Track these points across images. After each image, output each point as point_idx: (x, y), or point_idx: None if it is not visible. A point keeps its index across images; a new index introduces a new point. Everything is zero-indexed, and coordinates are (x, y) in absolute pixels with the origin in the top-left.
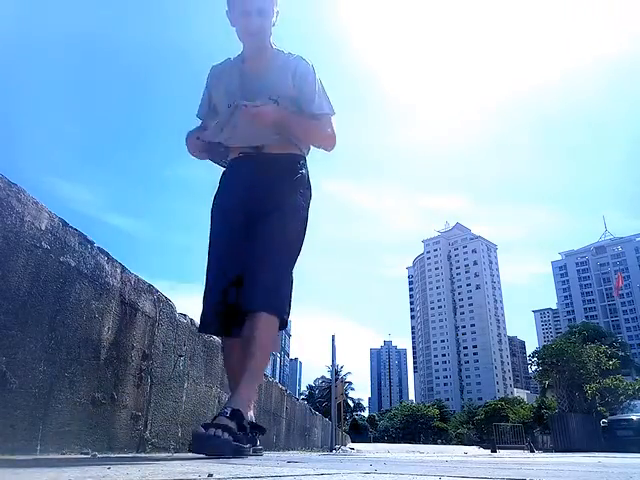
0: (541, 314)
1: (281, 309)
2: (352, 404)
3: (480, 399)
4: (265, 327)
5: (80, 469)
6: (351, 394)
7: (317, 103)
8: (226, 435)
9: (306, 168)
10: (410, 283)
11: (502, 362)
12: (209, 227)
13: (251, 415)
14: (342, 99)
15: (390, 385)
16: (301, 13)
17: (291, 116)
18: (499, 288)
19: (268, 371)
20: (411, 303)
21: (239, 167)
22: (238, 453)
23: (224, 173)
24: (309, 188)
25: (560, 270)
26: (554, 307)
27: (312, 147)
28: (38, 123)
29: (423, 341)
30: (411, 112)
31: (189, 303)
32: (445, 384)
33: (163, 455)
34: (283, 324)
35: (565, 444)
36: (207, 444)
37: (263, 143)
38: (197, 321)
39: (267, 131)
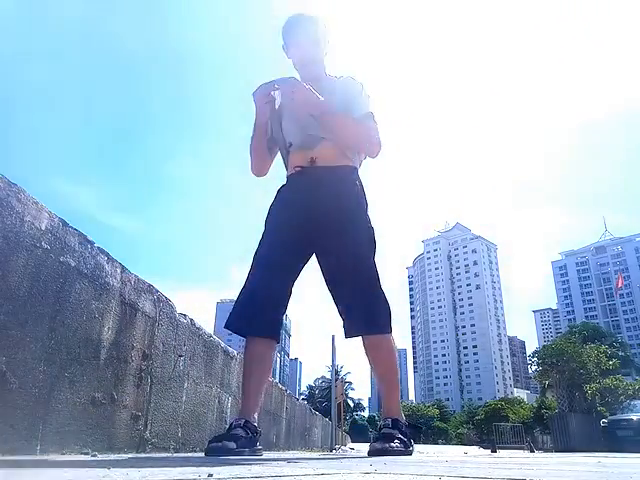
0: (541, 314)
1: (387, 326)
2: (352, 404)
3: (480, 399)
4: (388, 352)
5: (80, 469)
6: (351, 394)
7: (361, 107)
8: (397, 443)
9: (360, 179)
10: (410, 283)
11: (502, 362)
12: (261, 236)
13: (403, 419)
14: None
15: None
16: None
17: (336, 114)
18: (499, 288)
19: None
20: (411, 303)
21: (296, 182)
22: (407, 454)
23: (281, 188)
24: (365, 198)
25: (560, 270)
26: (554, 307)
27: (361, 159)
28: (38, 123)
29: (423, 341)
30: (411, 111)
31: (189, 303)
32: (445, 384)
33: (163, 455)
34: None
35: (565, 444)
36: (386, 454)
37: (314, 145)
38: (197, 321)
39: (317, 130)
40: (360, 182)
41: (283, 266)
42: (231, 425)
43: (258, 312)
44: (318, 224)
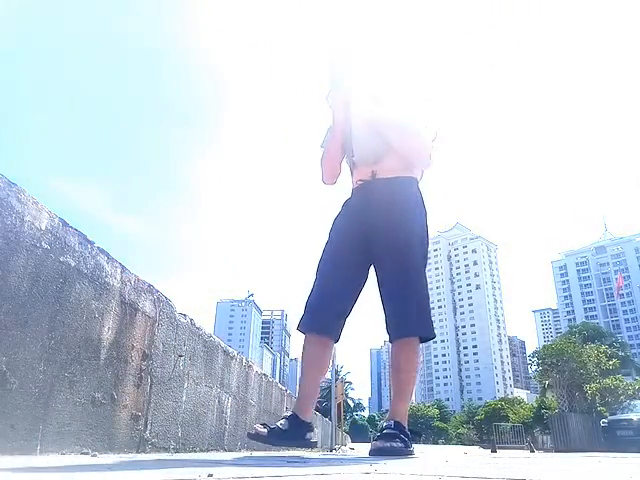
0: (541, 314)
1: (429, 330)
2: (352, 404)
3: (480, 399)
4: (410, 353)
5: (80, 469)
6: (351, 394)
7: (420, 121)
8: (398, 442)
9: (419, 190)
10: None
11: (502, 362)
12: (324, 245)
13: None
14: None
15: (390, 385)
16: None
17: (394, 122)
18: (499, 288)
19: (268, 371)
20: None
21: (358, 194)
22: (408, 454)
23: (346, 200)
24: (424, 208)
25: (560, 270)
26: (554, 307)
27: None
28: (38, 122)
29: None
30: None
31: (189, 303)
32: (445, 384)
33: (163, 455)
34: (428, 339)
35: (565, 444)
36: (387, 452)
37: (376, 160)
38: (197, 321)
39: (379, 147)
40: (418, 192)
41: (344, 274)
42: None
43: (320, 313)
44: (374, 234)
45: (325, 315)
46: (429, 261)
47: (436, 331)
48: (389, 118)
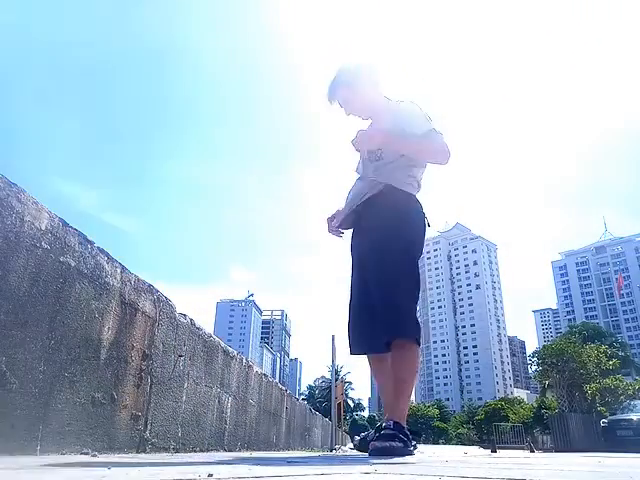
0: (541, 314)
1: (410, 334)
2: (352, 404)
3: (480, 399)
4: (408, 354)
5: (80, 469)
6: (351, 394)
7: (421, 125)
8: (397, 442)
9: (406, 199)
10: None
11: (502, 362)
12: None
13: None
14: None
15: None
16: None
17: (396, 136)
18: (499, 288)
19: (268, 371)
20: None
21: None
22: (408, 454)
23: None
24: (408, 215)
25: (560, 270)
26: (554, 307)
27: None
28: (38, 123)
29: (423, 341)
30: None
31: (189, 303)
32: (445, 384)
33: (163, 455)
34: (418, 343)
35: (565, 444)
36: (387, 452)
37: (369, 192)
38: (197, 321)
39: (370, 183)
40: (401, 202)
41: (363, 294)
42: None
43: (359, 336)
44: (364, 255)
45: (365, 336)
46: (429, 261)
47: (436, 331)
48: (402, 128)
